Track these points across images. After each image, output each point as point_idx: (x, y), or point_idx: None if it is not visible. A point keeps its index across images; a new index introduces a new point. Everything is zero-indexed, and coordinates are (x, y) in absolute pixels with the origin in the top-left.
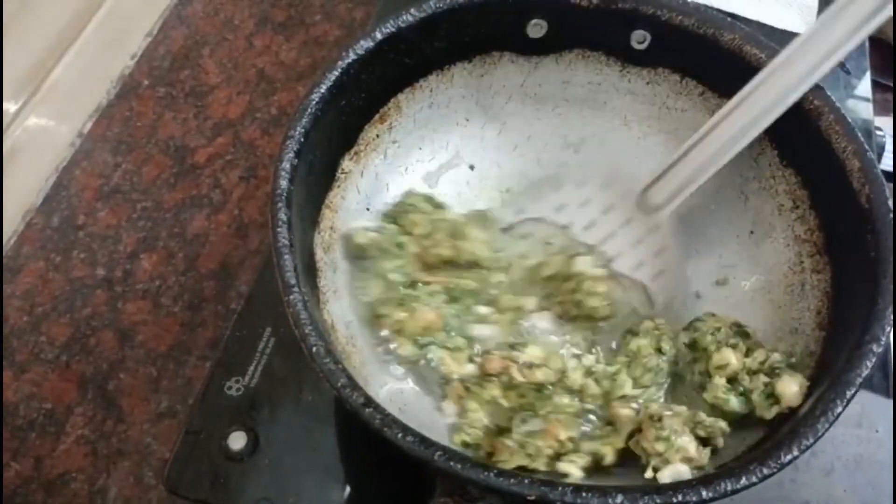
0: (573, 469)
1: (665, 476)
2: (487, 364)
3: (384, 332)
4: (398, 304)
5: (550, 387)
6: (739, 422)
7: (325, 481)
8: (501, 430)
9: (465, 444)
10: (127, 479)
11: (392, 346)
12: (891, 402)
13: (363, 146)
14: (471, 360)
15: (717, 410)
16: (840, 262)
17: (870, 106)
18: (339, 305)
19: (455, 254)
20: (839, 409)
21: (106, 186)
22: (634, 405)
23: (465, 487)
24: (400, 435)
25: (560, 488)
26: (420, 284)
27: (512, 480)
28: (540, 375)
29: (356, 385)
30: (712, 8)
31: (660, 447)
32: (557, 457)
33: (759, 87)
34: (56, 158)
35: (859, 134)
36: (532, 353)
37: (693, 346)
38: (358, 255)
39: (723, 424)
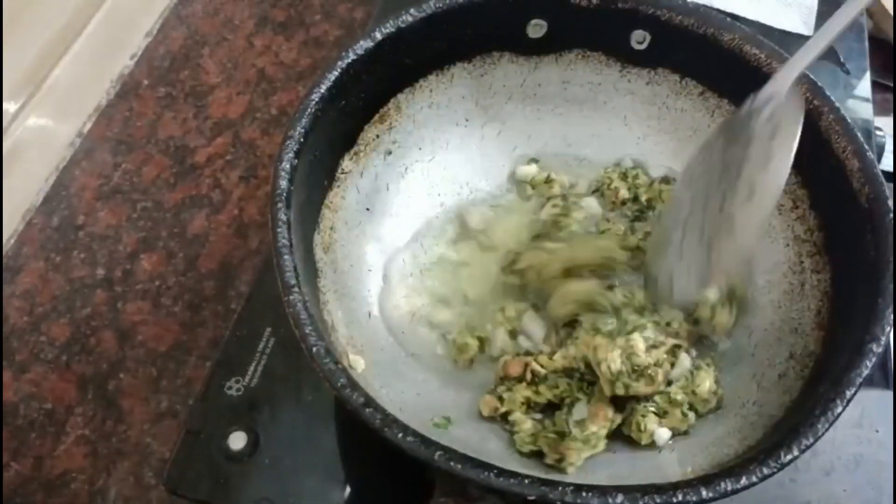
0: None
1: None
2: (509, 369)
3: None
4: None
5: (578, 373)
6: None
7: (325, 481)
8: (562, 435)
9: (532, 453)
10: (127, 479)
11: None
12: (891, 401)
13: (363, 146)
14: (480, 345)
15: None
16: (840, 262)
17: (870, 106)
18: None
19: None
20: (839, 409)
21: (106, 186)
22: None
23: (465, 487)
24: (400, 435)
25: (560, 488)
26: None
27: (512, 480)
28: (560, 361)
29: (356, 385)
30: (712, 8)
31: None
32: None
33: None
34: (56, 158)
35: (859, 134)
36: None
37: None
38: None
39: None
